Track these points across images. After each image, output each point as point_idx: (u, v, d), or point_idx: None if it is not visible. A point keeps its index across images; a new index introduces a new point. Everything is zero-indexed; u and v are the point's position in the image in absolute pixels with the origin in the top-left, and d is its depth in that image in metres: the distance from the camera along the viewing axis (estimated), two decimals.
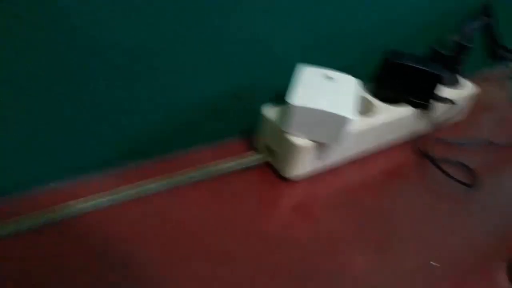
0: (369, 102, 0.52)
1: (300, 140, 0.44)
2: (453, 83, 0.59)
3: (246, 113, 0.51)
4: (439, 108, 0.55)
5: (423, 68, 0.49)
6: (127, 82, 0.40)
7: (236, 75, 0.47)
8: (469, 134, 0.61)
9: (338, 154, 0.49)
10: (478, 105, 0.64)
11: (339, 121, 0.42)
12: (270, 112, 0.47)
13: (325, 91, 0.44)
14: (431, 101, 0.52)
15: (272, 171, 0.48)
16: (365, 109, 0.52)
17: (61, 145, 0.39)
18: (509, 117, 0.69)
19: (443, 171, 0.51)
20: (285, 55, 0.49)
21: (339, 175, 0.50)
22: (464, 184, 0.51)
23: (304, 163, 0.46)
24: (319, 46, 0.51)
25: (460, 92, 0.59)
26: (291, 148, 0.44)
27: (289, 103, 0.42)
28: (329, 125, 0.43)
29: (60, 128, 0.38)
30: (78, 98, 0.38)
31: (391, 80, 0.51)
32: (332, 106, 0.43)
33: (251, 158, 0.47)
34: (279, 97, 0.52)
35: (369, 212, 0.46)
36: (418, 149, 0.55)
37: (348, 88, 0.46)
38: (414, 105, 0.53)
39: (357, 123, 0.47)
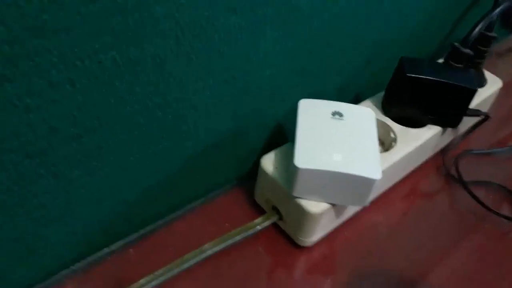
0: (386, 126, 0.42)
1: (311, 205, 0.35)
2: (479, 82, 0.49)
3: (238, 160, 0.42)
4: (467, 119, 0.45)
5: (453, 82, 0.39)
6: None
7: (224, 121, 0.37)
8: (498, 137, 0.51)
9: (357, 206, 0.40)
10: (502, 94, 0.54)
11: (361, 183, 0.33)
12: (269, 163, 0.37)
13: (337, 139, 0.35)
14: (461, 117, 0.42)
15: (279, 231, 0.39)
16: (380, 135, 0.43)
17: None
18: None
19: (480, 202, 0.42)
20: (273, 85, 0.38)
21: (359, 221, 0.41)
22: (506, 218, 0.42)
23: (319, 229, 0.37)
24: (309, 69, 0.40)
25: (486, 91, 0.49)
26: (301, 214, 0.35)
27: (293, 165, 0.33)
28: (349, 187, 0.33)
29: None
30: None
31: (410, 97, 0.41)
32: (350, 164, 0.33)
33: (252, 226, 0.38)
34: (280, 135, 0.42)
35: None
36: (446, 170, 0.46)
37: (364, 128, 0.36)
38: (440, 123, 0.43)
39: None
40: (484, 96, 0.48)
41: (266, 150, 0.38)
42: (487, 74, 0.51)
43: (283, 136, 0.43)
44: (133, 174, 0.34)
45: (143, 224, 0.38)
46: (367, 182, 0.33)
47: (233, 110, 0.37)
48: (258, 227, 0.37)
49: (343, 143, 0.34)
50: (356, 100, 0.46)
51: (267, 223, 0.38)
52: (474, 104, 0.46)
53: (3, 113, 0.24)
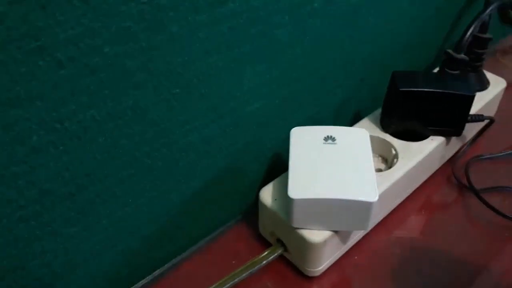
0: (387, 143, 0.41)
1: (313, 234, 0.34)
2: (480, 85, 0.47)
3: (239, 195, 0.42)
4: (472, 125, 0.44)
5: (448, 91, 0.38)
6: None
7: (218, 159, 0.37)
8: (507, 139, 0.49)
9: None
10: (507, 92, 0.52)
11: (359, 207, 0.32)
12: (268, 195, 0.37)
13: (330, 164, 0.34)
14: (463, 125, 0.41)
15: (287, 263, 0.38)
16: (381, 152, 0.42)
17: None
18: None
19: (494, 209, 0.41)
20: (264, 117, 0.38)
21: (369, 243, 0.39)
22: None
23: (324, 257, 0.36)
24: (298, 95, 0.40)
25: (490, 93, 0.47)
26: (303, 245, 0.34)
27: (287, 196, 0.32)
28: (346, 212, 0.33)
29: None
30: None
31: (407, 111, 0.40)
32: (344, 189, 0.32)
33: (258, 262, 0.37)
34: (278, 164, 0.42)
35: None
36: (456, 179, 0.45)
37: (358, 149, 0.35)
38: (442, 133, 0.42)
39: (380, 181, 0.36)
40: (487, 98, 0.46)
41: (267, 181, 0.38)
42: (490, 76, 0.49)
43: (282, 164, 0.43)
44: (131, 223, 0.34)
45: (150, 270, 0.38)
46: (364, 206, 0.32)
47: (226, 147, 0.37)
48: (264, 262, 0.37)
49: (337, 168, 0.34)
50: (356, 119, 0.46)
51: (272, 257, 0.37)
52: (477, 108, 0.45)
53: None
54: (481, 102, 0.46)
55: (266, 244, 0.39)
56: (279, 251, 0.37)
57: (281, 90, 0.38)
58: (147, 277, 0.38)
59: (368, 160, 0.35)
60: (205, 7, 0.29)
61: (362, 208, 0.32)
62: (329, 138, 0.36)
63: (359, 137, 0.36)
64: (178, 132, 0.32)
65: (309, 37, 0.37)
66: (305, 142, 0.36)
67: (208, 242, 0.40)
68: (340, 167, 0.34)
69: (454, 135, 0.42)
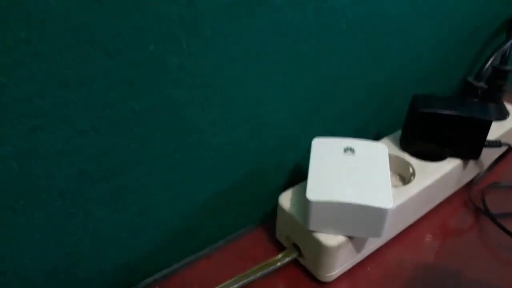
0: (404, 162, 0.43)
1: (328, 238, 0.35)
2: (500, 115, 0.49)
3: (259, 201, 0.43)
4: (490, 151, 0.45)
5: (466, 115, 0.40)
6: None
7: (242, 163, 0.39)
8: None
9: (379, 239, 0.40)
10: None
11: (374, 213, 0.34)
12: (287, 201, 0.39)
13: (349, 172, 0.36)
14: (480, 149, 0.42)
15: (300, 268, 0.39)
16: (399, 171, 0.43)
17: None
18: None
19: (510, 234, 0.41)
20: (287, 127, 0.40)
21: (383, 257, 0.40)
22: None
23: (338, 262, 0.37)
24: (323, 109, 0.43)
25: (509, 123, 0.49)
26: (318, 248, 0.36)
27: (305, 198, 0.34)
28: (362, 218, 0.34)
29: None
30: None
31: (426, 132, 0.42)
32: (362, 195, 0.34)
33: (273, 263, 0.39)
34: (299, 174, 0.44)
35: None
36: (473, 204, 0.45)
37: (376, 161, 0.37)
38: (459, 156, 0.43)
39: (396, 195, 0.38)
40: (506, 128, 0.48)
41: (286, 190, 0.40)
42: (509, 107, 0.51)
43: (301, 175, 0.45)
44: (157, 215, 0.36)
45: (168, 264, 0.40)
46: (379, 212, 0.33)
47: (250, 152, 0.39)
48: (278, 264, 0.38)
49: (355, 176, 0.35)
50: (375, 139, 0.48)
51: (287, 260, 0.39)
52: (496, 135, 0.46)
53: (37, 157, 0.27)
54: (500, 130, 0.47)
55: (282, 249, 0.40)
56: (294, 255, 0.39)
57: (305, 103, 0.40)
58: (165, 270, 0.39)
59: (385, 171, 0.36)
60: (239, 17, 0.31)
61: (377, 214, 0.34)
62: (348, 149, 0.38)
63: (377, 151, 0.38)
64: (208, 131, 0.35)
65: (335, 55, 0.39)
66: (325, 151, 0.38)
67: (226, 243, 0.42)
68: (357, 176, 0.35)
69: (471, 159, 0.43)
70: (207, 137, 0.35)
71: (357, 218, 0.34)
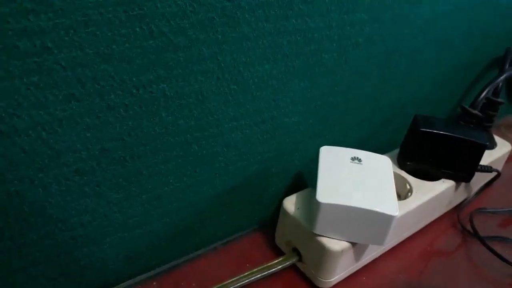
0: (402, 179, 0.44)
1: (332, 243, 0.36)
2: (489, 144, 0.52)
3: (260, 204, 0.44)
4: (478, 177, 0.48)
5: (464, 137, 0.42)
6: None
7: (251, 162, 0.40)
8: (509, 197, 0.53)
9: (377, 249, 0.41)
10: (511, 159, 0.57)
11: (380, 219, 0.35)
12: (291, 204, 0.39)
13: (356, 180, 0.37)
14: (474, 172, 0.45)
15: (298, 274, 0.40)
16: (397, 187, 0.45)
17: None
18: None
19: (498, 255, 0.43)
20: (297, 132, 0.41)
21: (377, 268, 0.41)
22: None
23: (339, 268, 0.38)
24: (331, 120, 0.44)
25: (497, 153, 0.52)
26: (321, 252, 0.36)
27: (315, 200, 0.35)
28: (368, 224, 0.35)
29: None
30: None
31: (424, 152, 0.44)
32: (369, 201, 0.35)
33: (272, 266, 0.39)
34: (301, 182, 0.45)
35: None
36: (461, 226, 0.47)
37: (382, 172, 0.38)
38: (453, 177, 0.45)
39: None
40: (494, 157, 0.50)
41: (288, 195, 0.41)
42: (497, 139, 0.54)
43: (304, 183, 0.46)
44: (165, 206, 0.36)
45: (168, 259, 0.39)
46: (386, 219, 0.34)
47: (260, 153, 0.40)
48: (279, 267, 0.38)
49: (362, 184, 0.36)
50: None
51: (287, 263, 0.39)
52: (486, 163, 0.48)
53: (65, 129, 0.27)
54: (489, 159, 0.49)
55: (280, 254, 0.41)
56: (294, 259, 0.39)
57: (317, 110, 0.41)
58: (163, 266, 0.39)
59: (390, 182, 0.38)
60: (273, 17, 0.33)
61: (383, 221, 0.35)
62: (355, 159, 0.39)
63: (382, 162, 0.40)
64: (226, 126, 0.35)
65: (349, 67, 0.41)
66: (333, 158, 0.39)
67: (225, 243, 0.42)
68: (365, 183, 0.37)
69: (463, 181, 0.46)
70: (224, 133, 0.36)
71: (363, 224, 0.35)
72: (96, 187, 0.31)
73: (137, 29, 0.27)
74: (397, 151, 0.47)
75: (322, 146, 0.40)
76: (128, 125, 0.30)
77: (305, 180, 0.45)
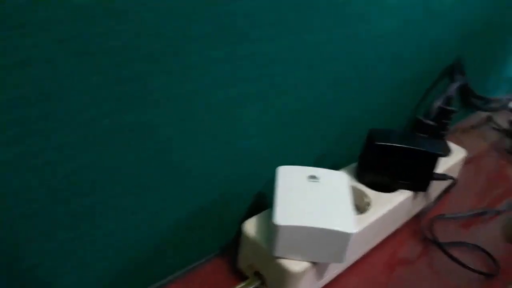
0: (360, 192, 0.45)
1: (292, 264, 0.36)
2: (444, 152, 0.53)
3: (221, 228, 0.43)
4: (436, 185, 0.49)
5: (418, 148, 0.43)
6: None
7: (211, 187, 0.39)
8: (466, 201, 0.54)
9: (339, 266, 0.41)
10: (467, 165, 0.59)
11: (338, 237, 0.35)
12: (251, 227, 0.39)
13: (313, 199, 0.37)
14: (429, 181, 0.46)
15: None
16: (355, 201, 0.45)
17: None
18: (501, 170, 0.64)
19: (457, 261, 0.44)
20: (255, 154, 0.41)
21: (340, 285, 0.42)
22: (483, 274, 0.44)
23: None
24: (286, 141, 0.44)
25: (452, 160, 0.53)
26: (282, 274, 0.36)
27: (272, 223, 0.35)
28: (326, 242, 0.35)
29: None
30: None
31: (380, 164, 0.45)
32: (327, 220, 0.35)
33: None
34: (262, 202, 0.45)
35: None
36: (422, 234, 0.48)
37: (339, 188, 0.39)
38: (410, 187, 0.46)
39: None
40: (449, 164, 0.52)
41: (248, 218, 0.40)
42: (452, 145, 0.55)
43: (265, 203, 0.46)
44: (119, 241, 0.35)
45: None
46: (343, 237, 0.35)
47: (220, 177, 0.39)
48: None
49: (320, 202, 0.37)
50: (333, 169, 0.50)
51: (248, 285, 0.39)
52: (441, 171, 0.50)
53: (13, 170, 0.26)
54: (444, 166, 0.51)
55: (243, 279, 0.40)
56: (257, 283, 0.39)
57: (272, 132, 0.42)
58: None
59: (347, 198, 0.38)
60: (222, 44, 0.33)
61: (341, 238, 0.35)
62: (312, 177, 0.39)
63: (339, 179, 0.40)
64: (181, 153, 0.35)
65: (303, 87, 0.41)
66: (291, 178, 0.39)
67: (187, 272, 0.41)
68: (322, 202, 0.37)
69: (420, 190, 0.46)
70: (179, 160, 0.35)
71: (321, 243, 0.35)
72: (44, 228, 0.30)
73: (78, 66, 0.26)
74: (355, 164, 0.48)
75: (280, 166, 0.41)
76: (74, 162, 0.29)
77: (266, 200, 0.45)
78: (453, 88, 0.51)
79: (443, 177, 0.47)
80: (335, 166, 0.51)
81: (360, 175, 0.46)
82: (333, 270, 0.41)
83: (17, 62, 0.24)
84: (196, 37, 0.31)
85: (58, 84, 0.26)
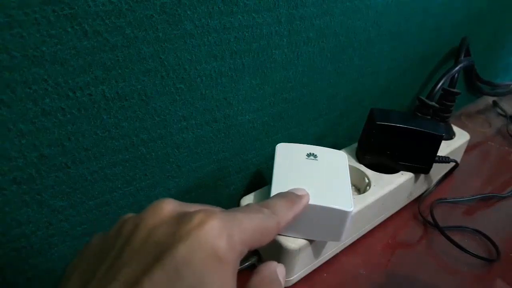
0: (360, 173, 0.44)
1: (289, 241, 0.36)
2: (447, 135, 0.52)
3: (218, 205, 0.43)
4: (439, 168, 0.48)
5: (420, 129, 0.42)
6: None
7: (205, 163, 0.39)
8: (469, 186, 0.54)
9: (336, 245, 0.41)
10: (471, 150, 0.58)
11: (336, 216, 0.34)
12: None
13: (311, 176, 0.36)
14: (431, 163, 0.45)
15: None
16: (355, 181, 0.45)
17: None
18: (506, 157, 0.63)
19: (457, 245, 0.43)
20: (252, 130, 0.41)
21: (339, 264, 0.41)
22: (483, 259, 0.43)
23: (297, 266, 0.37)
24: (286, 116, 0.43)
25: (455, 143, 0.52)
26: (278, 251, 0.36)
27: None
28: (324, 221, 0.35)
29: None
30: None
31: (382, 145, 0.44)
32: (324, 197, 0.34)
33: None
34: (260, 180, 0.44)
35: None
36: (423, 217, 0.48)
37: (337, 167, 0.38)
38: (412, 169, 0.45)
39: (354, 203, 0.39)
40: (453, 147, 0.51)
41: (246, 195, 0.40)
42: (455, 129, 0.54)
43: (263, 180, 0.45)
44: (115, 211, 0.35)
45: None
46: (341, 215, 0.34)
47: (215, 152, 0.39)
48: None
49: (317, 180, 0.36)
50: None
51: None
52: (444, 154, 0.49)
53: None
54: (447, 149, 0.50)
55: None
56: (253, 259, 0.38)
57: (271, 108, 0.41)
58: None
59: (346, 177, 0.37)
60: (218, 13, 0.32)
61: (338, 217, 0.34)
62: (311, 155, 0.39)
63: (338, 158, 0.39)
64: (175, 126, 0.34)
65: (301, 62, 0.40)
66: (289, 155, 0.38)
67: None
68: (320, 180, 0.36)
69: (422, 173, 0.46)
70: (173, 133, 0.35)
71: (319, 221, 0.35)
72: (37, 195, 0.30)
73: (69, 29, 0.26)
74: (355, 145, 0.47)
75: (279, 143, 0.40)
76: (67, 129, 0.29)
77: (264, 177, 0.45)
78: (457, 69, 0.50)
79: (446, 159, 0.46)
80: (336, 146, 0.50)
81: (361, 156, 0.45)
82: (331, 249, 0.40)
83: None
84: (192, 3, 0.30)
85: (46, 46, 0.25)
